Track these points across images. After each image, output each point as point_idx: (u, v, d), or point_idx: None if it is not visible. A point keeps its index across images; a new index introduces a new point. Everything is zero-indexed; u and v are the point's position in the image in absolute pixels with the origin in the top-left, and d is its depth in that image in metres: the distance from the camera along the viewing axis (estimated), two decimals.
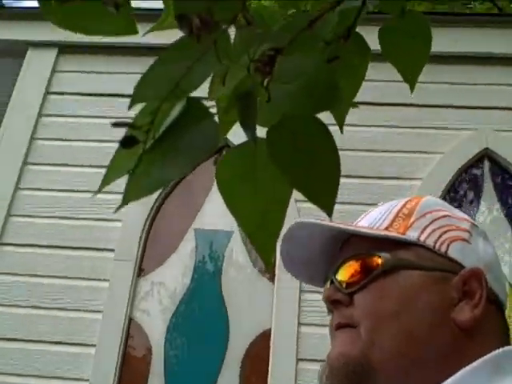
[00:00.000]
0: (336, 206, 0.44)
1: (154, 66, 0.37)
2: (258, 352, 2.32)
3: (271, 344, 2.28)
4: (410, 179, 2.56)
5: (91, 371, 2.30)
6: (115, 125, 0.37)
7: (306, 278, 0.84)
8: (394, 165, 2.60)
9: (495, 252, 0.76)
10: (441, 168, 2.59)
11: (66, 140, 2.79)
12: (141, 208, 2.56)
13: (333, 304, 0.74)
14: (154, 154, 0.38)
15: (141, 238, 2.51)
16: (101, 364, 2.31)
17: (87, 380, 2.30)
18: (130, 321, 2.40)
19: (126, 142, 0.36)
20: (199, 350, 2.34)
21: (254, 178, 0.37)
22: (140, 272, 2.49)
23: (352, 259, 0.73)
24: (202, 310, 2.42)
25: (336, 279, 0.75)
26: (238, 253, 2.49)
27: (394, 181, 2.56)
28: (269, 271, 0.53)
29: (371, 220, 0.77)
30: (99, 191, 0.47)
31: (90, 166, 2.67)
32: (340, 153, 0.40)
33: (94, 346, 2.34)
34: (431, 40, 0.59)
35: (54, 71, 2.95)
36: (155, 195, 2.58)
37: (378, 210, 0.79)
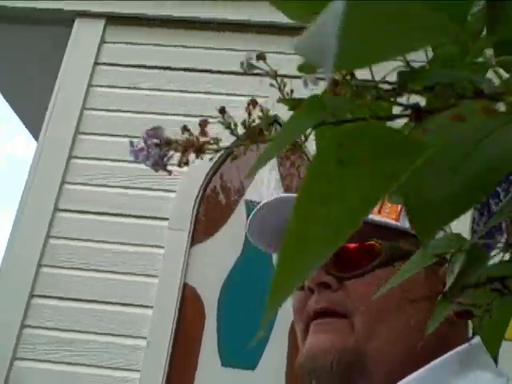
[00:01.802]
0: None
1: None
2: None
3: None
4: None
5: (149, 330, 2.45)
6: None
7: (269, 247, 0.82)
8: None
9: None
10: None
11: (117, 111, 2.88)
12: (194, 180, 2.68)
13: (317, 286, 0.70)
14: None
15: (193, 208, 2.63)
16: (157, 324, 2.46)
17: (145, 337, 2.45)
18: (185, 286, 2.54)
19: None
20: (250, 317, 2.49)
21: None
22: (193, 241, 2.62)
23: (347, 242, 0.67)
24: (253, 279, 2.55)
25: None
26: None
27: None
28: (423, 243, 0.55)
29: None
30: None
31: None
32: None
33: (151, 307, 2.49)
34: None
35: (102, 42, 3.01)
36: (208, 167, 2.68)
37: None
